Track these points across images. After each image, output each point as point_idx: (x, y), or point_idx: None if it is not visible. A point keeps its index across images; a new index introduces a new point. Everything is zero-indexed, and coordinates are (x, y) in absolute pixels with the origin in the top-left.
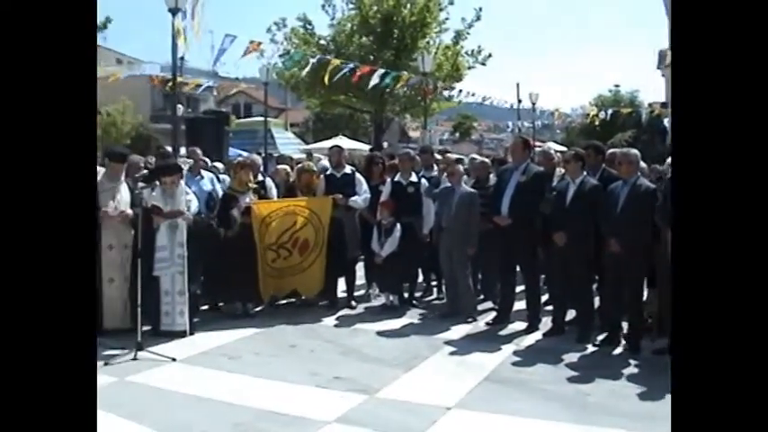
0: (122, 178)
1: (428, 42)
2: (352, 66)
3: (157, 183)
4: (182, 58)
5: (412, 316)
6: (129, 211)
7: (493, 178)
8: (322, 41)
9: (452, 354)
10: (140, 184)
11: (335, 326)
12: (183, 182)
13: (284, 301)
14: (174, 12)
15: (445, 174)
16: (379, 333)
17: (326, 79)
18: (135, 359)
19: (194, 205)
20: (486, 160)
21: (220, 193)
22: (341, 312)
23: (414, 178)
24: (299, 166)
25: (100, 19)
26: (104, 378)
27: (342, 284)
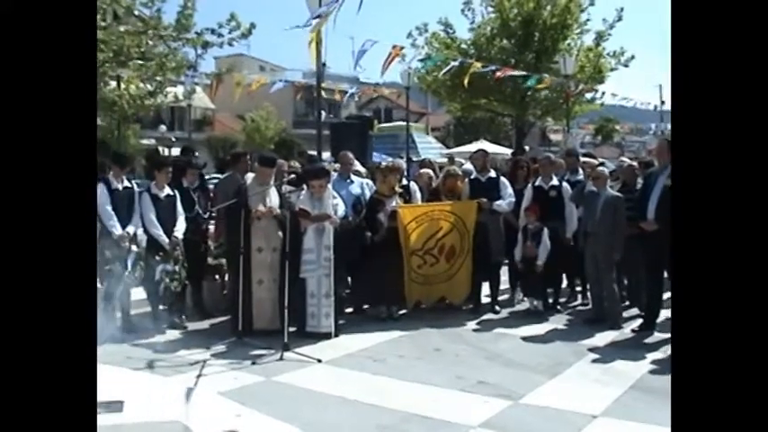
0: (271, 182)
1: (569, 44)
2: (492, 69)
3: (305, 186)
4: (324, 65)
5: (556, 321)
6: (278, 210)
7: (640, 182)
8: (463, 45)
9: (597, 361)
10: (288, 188)
11: (479, 330)
12: (330, 186)
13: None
14: (315, 16)
15: (590, 178)
16: (524, 338)
17: (467, 82)
18: (281, 359)
19: (341, 209)
20: (635, 163)
21: (368, 197)
22: (485, 317)
23: (555, 182)
24: (444, 170)
25: (244, 26)
26: (252, 377)
27: (486, 289)
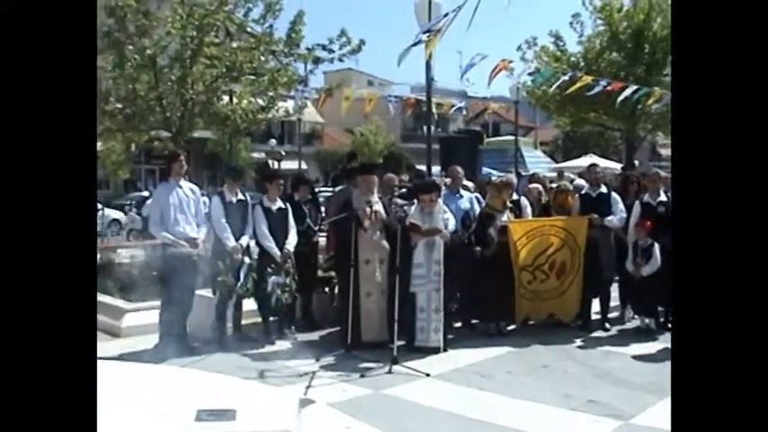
0: (375, 192)
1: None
2: (603, 83)
3: (415, 201)
4: (432, 79)
5: (668, 341)
6: (383, 214)
7: None
8: (572, 58)
9: None
10: (399, 201)
11: (588, 347)
12: (440, 200)
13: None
14: (427, 33)
15: None
16: (634, 357)
17: (576, 96)
18: (390, 373)
19: (452, 223)
20: None
21: (478, 212)
22: (594, 334)
23: (663, 198)
24: (555, 185)
25: (354, 41)
26: (360, 390)
27: (595, 305)
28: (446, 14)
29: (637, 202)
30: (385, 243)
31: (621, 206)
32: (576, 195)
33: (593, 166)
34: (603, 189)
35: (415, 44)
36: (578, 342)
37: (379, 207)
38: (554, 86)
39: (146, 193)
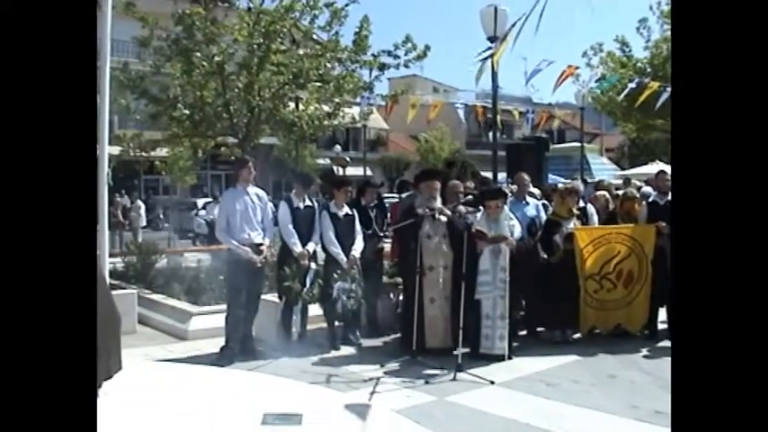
0: (437, 197)
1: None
2: (670, 89)
3: (482, 207)
4: (497, 86)
5: None
6: (446, 210)
7: None
8: (639, 64)
9: None
10: (465, 208)
11: (655, 357)
12: (506, 207)
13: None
14: (492, 39)
15: None
16: None
17: (643, 103)
18: (454, 380)
19: (517, 230)
20: None
21: (544, 219)
22: (661, 343)
23: None
24: (622, 192)
25: (420, 48)
26: (425, 396)
27: (662, 314)
28: (513, 24)
29: None
30: (447, 248)
31: None
32: (644, 203)
33: (662, 173)
34: (671, 197)
35: (486, 58)
36: (645, 351)
37: (440, 207)
38: (622, 95)
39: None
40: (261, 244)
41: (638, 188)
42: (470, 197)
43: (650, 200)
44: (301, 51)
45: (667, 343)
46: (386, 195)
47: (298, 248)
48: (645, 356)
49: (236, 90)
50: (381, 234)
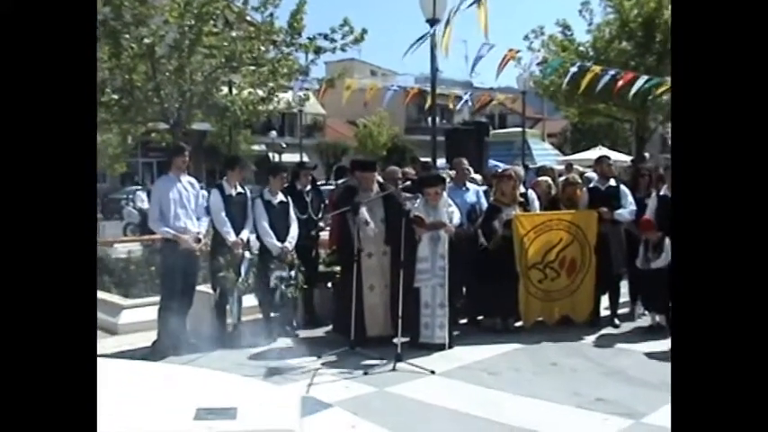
0: (375, 187)
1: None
2: (612, 73)
3: (420, 194)
4: (437, 69)
5: None
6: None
7: None
8: (581, 48)
9: None
10: (403, 194)
11: (598, 345)
12: (445, 193)
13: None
14: (432, 22)
15: None
16: (646, 354)
17: (585, 87)
18: (394, 370)
19: (457, 217)
20: None
21: (484, 205)
22: (604, 331)
23: None
24: (564, 178)
25: (357, 31)
26: (364, 388)
27: (605, 301)
28: (457, 9)
29: (653, 196)
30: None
31: (631, 199)
32: (585, 189)
33: (603, 158)
34: (613, 182)
35: (422, 38)
36: (588, 339)
37: (379, 208)
38: (563, 79)
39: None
40: (198, 232)
41: (582, 174)
42: (408, 183)
43: (591, 185)
44: (234, 33)
45: (610, 330)
46: (323, 183)
47: (231, 237)
48: (587, 344)
49: (167, 73)
50: (316, 218)
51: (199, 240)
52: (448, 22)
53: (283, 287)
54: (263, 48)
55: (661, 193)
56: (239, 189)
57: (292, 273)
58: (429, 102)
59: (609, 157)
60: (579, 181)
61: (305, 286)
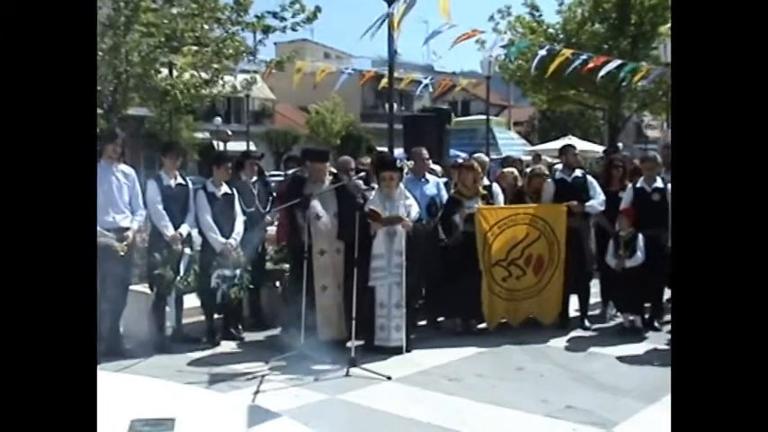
0: (326, 179)
1: (670, 29)
2: (584, 57)
3: (375, 185)
4: (395, 52)
5: (655, 341)
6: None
7: None
8: (550, 30)
9: None
10: (358, 183)
11: (567, 348)
12: (402, 185)
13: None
14: (389, 2)
15: None
16: (618, 358)
17: (555, 72)
18: (347, 376)
19: (415, 211)
20: None
21: (445, 198)
22: (573, 333)
23: (659, 184)
24: (530, 169)
25: (309, 9)
26: (315, 395)
27: (574, 301)
28: None
29: (629, 188)
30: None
31: (600, 190)
32: (549, 180)
33: (568, 146)
34: (579, 173)
35: (381, 19)
36: (556, 342)
37: (332, 200)
38: (531, 63)
39: None
40: (127, 228)
41: (551, 165)
42: (363, 174)
43: (556, 177)
44: (175, 10)
45: (580, 332)
46: (272, 173)
47: (169, 231)
48: (555, 348)
49: (101, 53)
50: (264, 212)
51: (125, 238)
52: (404, 4)
53: (225, 287)
54: (206, 26)
55: (638, 185)
56: (180, 180)
57: (237, 271)
58: (385, 84)
59: (574, 146)
60: (546, 172)
61: (251, 286)
